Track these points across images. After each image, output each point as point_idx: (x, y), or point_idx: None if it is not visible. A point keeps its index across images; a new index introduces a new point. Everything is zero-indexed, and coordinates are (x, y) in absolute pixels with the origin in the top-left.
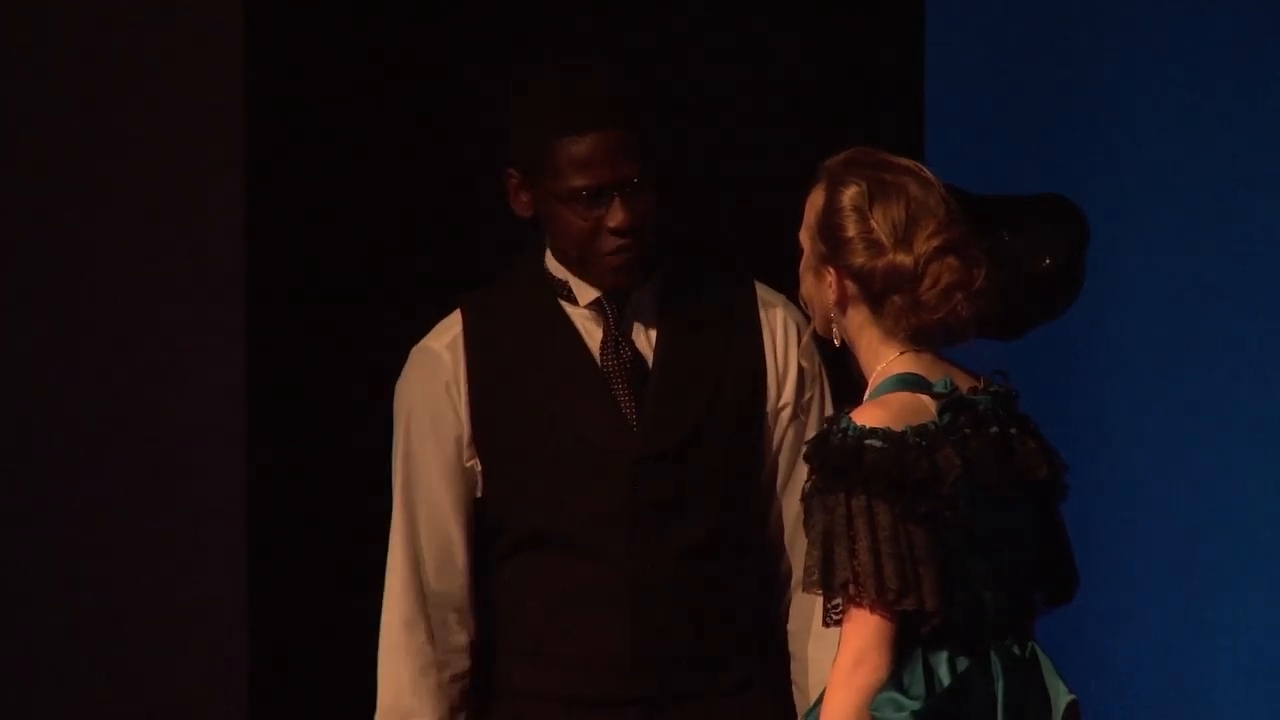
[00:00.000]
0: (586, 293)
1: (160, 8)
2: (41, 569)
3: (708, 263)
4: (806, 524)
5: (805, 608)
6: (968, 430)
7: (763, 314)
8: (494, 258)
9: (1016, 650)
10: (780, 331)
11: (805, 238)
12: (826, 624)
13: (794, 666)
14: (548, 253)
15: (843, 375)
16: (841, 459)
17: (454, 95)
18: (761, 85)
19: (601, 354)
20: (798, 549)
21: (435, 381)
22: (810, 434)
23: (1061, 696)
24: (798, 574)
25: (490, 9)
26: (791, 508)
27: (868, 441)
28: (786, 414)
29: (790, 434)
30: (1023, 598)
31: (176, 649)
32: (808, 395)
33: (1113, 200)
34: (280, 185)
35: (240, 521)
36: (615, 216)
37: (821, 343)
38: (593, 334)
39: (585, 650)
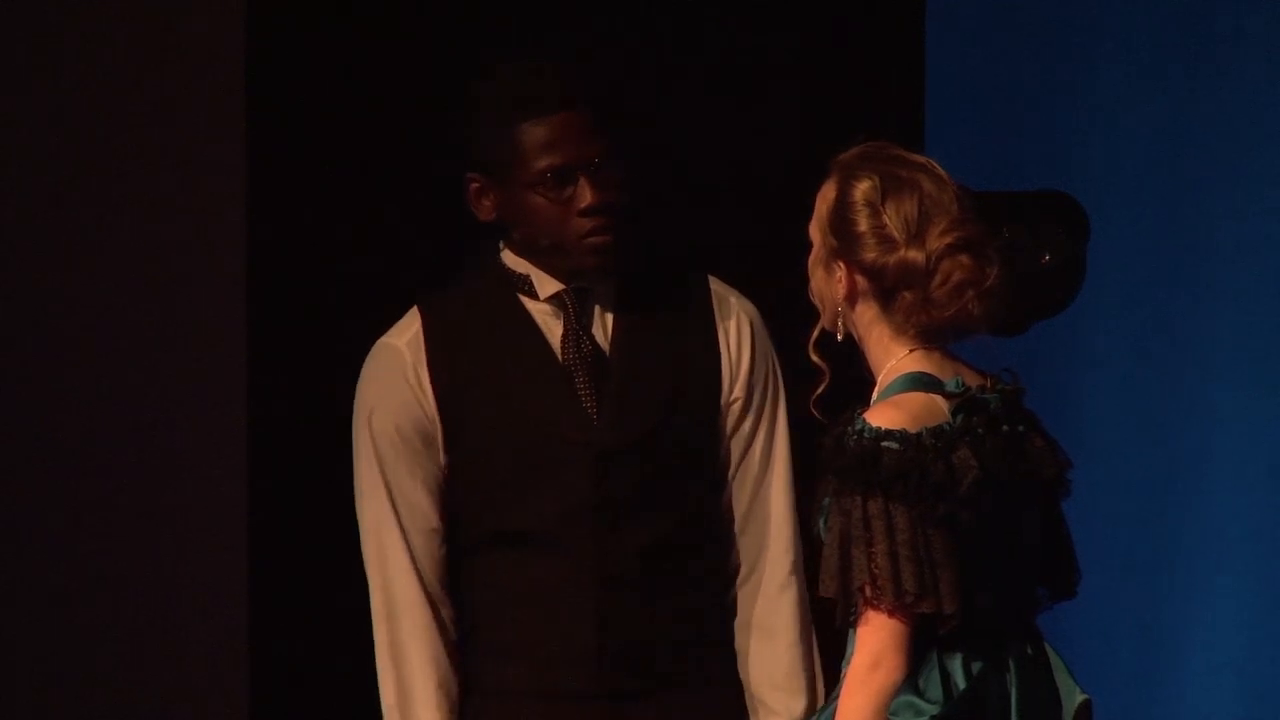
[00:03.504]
0: (548, 286)
1: (161, 8)
2: (42, 569)
3: (664, 258)
4: (818, 525)
5: (749, 602)
6: (981, 430)
7: (716, 307)
8: None
9: (1029, 650)
10: (734, 324)
11: (815, 232)
12: (840, 626)
13: (738, 662)
14: (505, 250)
15: (850, 372)
16: (858, 461)
17: (456, 95)
18: (762, 85)
19: (563, 348)
20: (745, 542)
21: (398, 379)
22: (762, 426)
23: (1074, 696)
24: (746, 568)
25: (492, 9)
26: (742, 501)
27: (884, 444)
28: (739, 405)
29: (744, 426)
30: (1030, 596)
31: (176, 649)
32: (760, 387)
33: (1111, 198)
34: (281, 185)
35: (240, 521)
36: (584, 197)
37: (830, 340)
38: (553, 329)
39: (551, 645)
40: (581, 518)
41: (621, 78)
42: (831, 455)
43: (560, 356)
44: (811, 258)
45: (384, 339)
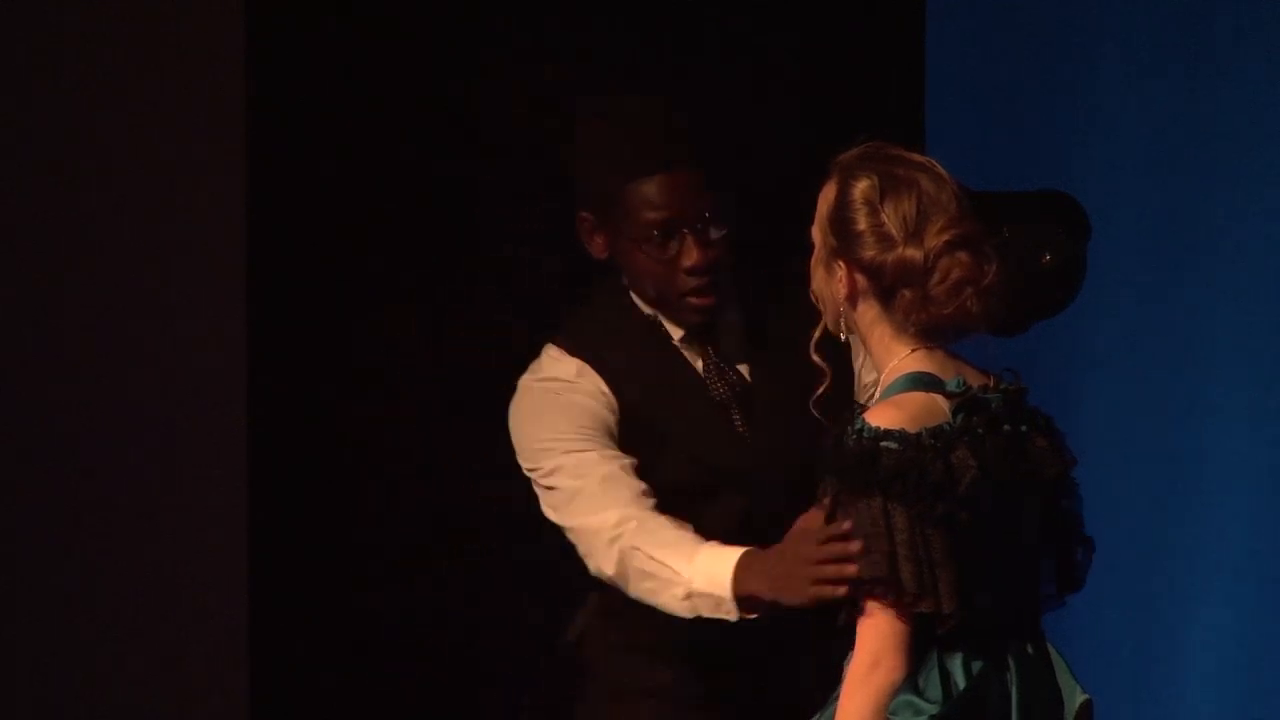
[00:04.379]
0: (675, 329)
1: (161, 8)
2: (42, 569)
3: (781, 269)
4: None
5: None
6: (981, 430)
7: None
8: (493, 257)
9: (1030, 649)
10: None
11: (816, 232)
12: (840, 625)
13: None
14: (630, 290)
15: (850, 372)
16: (857, 461)
17: (456, 95)
18: (762, 86)
19: (707, 379)
20: None
21: (580, 395)
22: None
23: (1075, 696)
24: None
25: (492, 9)
26: None
27: (883, 444)
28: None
29: None
30: (1033, 595)
31: (176, 649)
32: None
33: (1111, 198)
34: (281, 185)
35: (240, 521)
36: (690, 256)
37: (831, 339)
38: (695, 363)
39: (696, 654)
40: (732, 539)
41: (622, 78)
42: (831, 455)
43: (710, 388)
44: (813, 258)
45: (546, 374)
